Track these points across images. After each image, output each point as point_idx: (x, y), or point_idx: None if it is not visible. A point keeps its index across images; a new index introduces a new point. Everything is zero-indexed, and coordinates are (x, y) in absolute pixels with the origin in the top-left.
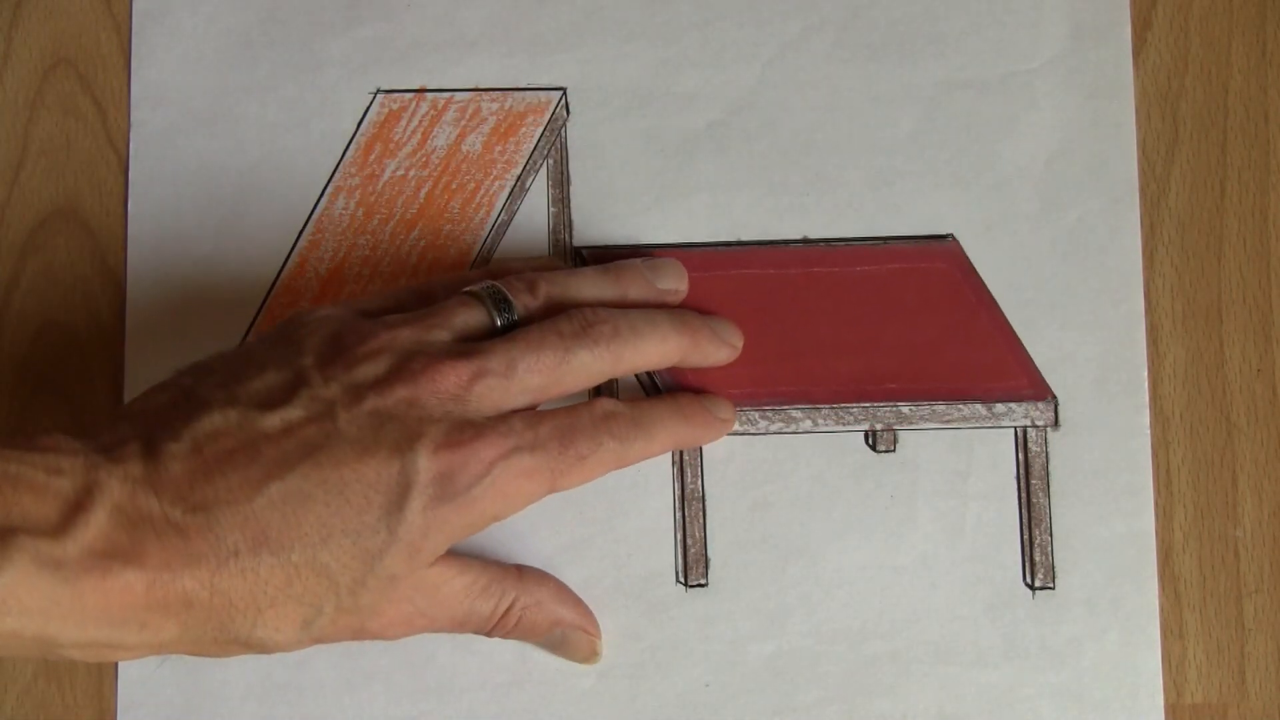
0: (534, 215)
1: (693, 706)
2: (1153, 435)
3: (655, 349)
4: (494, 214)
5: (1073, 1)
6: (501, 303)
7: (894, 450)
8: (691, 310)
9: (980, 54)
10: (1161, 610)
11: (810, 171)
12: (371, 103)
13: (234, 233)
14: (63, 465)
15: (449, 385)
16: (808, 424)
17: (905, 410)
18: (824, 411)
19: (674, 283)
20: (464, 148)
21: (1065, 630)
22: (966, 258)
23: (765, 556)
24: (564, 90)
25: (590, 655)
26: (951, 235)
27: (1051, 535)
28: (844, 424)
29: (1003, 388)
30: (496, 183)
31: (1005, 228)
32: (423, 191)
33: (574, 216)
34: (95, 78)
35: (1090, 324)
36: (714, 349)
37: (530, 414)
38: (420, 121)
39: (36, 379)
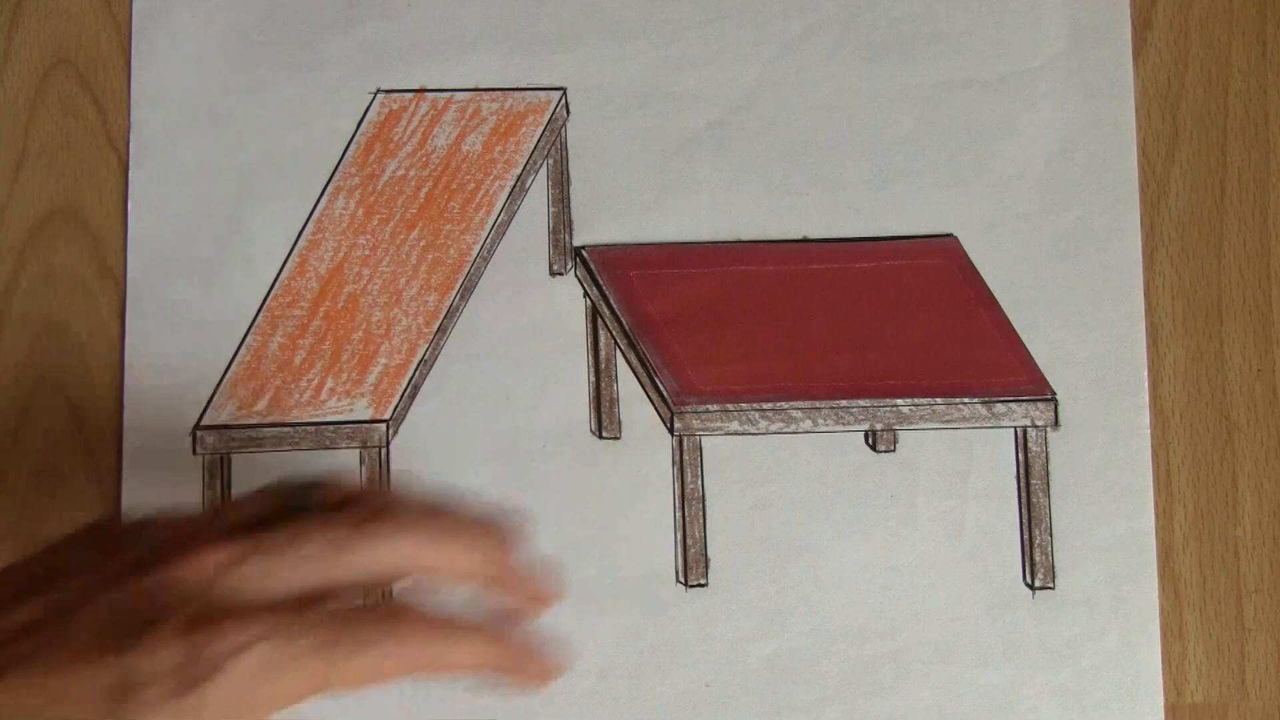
0: (534, 215)
1: (693, 706)
2: (1153, 435)
3: (463, 554)
4: (494, 214)
5: (1073, 1)
6: (298, 490)
7: (894, 450)
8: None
9: (980, 54)
10: (1161, 610)
11: (810, 171)
12: (371, 103)
13: (234, 233)
14: None
15: (205, 567)
16: (808, 424)
17: (905, 410)
18: (824, 411)
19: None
20: (464, 148)
21: (1065, 630)
22: (965, 254)
23: (765, 556)
24: (564, 90)
25: (541, 675)
26: (952, 235)
27: (1051, 535)
28: (844, 424)
29: (1002, 384)
30: (496, 183)
31: (1005, 227)
32: (423, 191)
33: (574, 216)
34: (95, 78)
35: (1090, 324)
36: (529, 598)
37: (299, 603)
38: (420, 121)
39: (36, 379)
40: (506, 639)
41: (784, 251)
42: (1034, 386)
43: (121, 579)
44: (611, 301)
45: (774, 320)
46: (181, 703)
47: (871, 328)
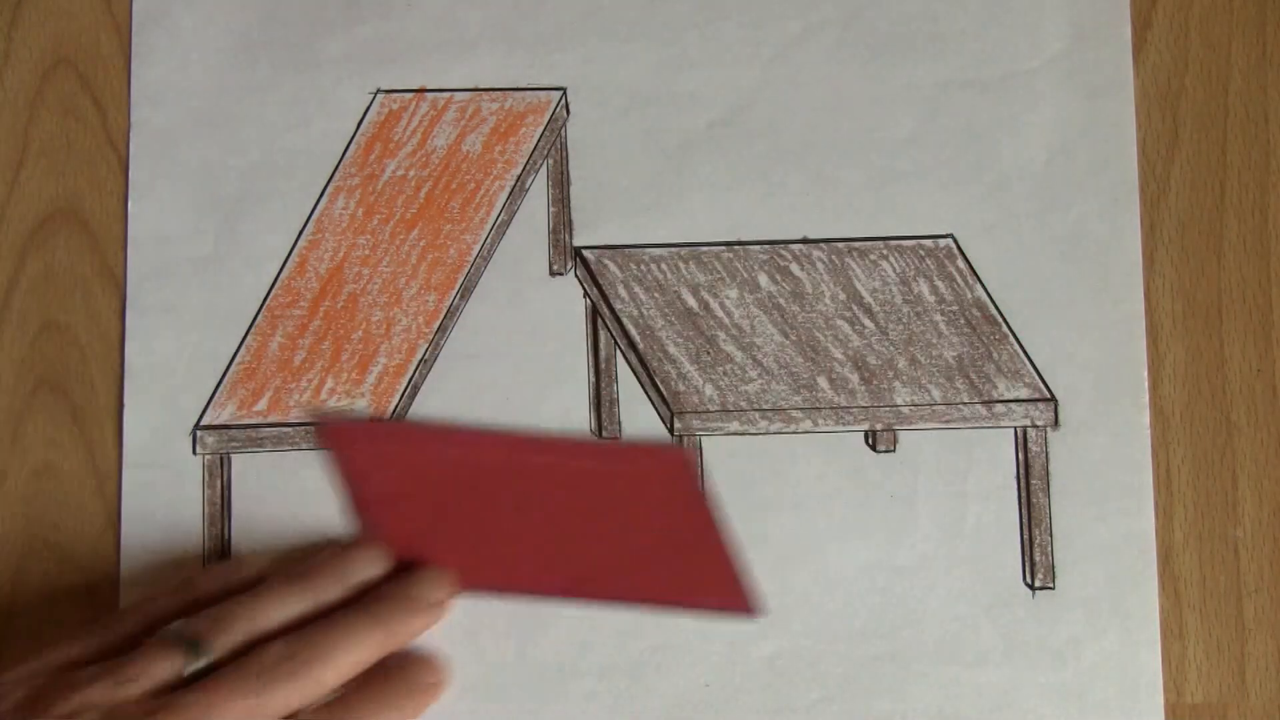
0: (534, 215)
1: (693, 706)
2: (1153, 435)
3: (348, 658)
4: (494, 214)
5: (1073, 1)
6: (195, 646)
7: (894, 450)
8: (386, 588)
9: (980, 54)
10: (1161, 610)
11: (810, 171)
12: (371, 103)
13: (234, 233)
14: None
15: None
16: (808, 424)
17: (905, 410)
18: (824, 411)
19: (371, 569)
20: (464, 148)
21: (1065, 630)
22: (693, 463)
23: (765, 556)
24: (564, 90)
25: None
26: (951, 235)
27: (1051, 535)
28: (844, 424)
29: (715, 601)
30: (496, 183)
31: (1005, 228)
32: (423, 191)
33: (574, 216)
34: (95, 78)
35: (1090, 324)
36: (414, 623)
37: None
38: (420, 121)
39: (36, 379)
40: (395, 612)
41: (494, 440)
42: (1033, 387)
43: None
44: (611, 301)
45: (482, 509)
46: None
47: (591, 530)
